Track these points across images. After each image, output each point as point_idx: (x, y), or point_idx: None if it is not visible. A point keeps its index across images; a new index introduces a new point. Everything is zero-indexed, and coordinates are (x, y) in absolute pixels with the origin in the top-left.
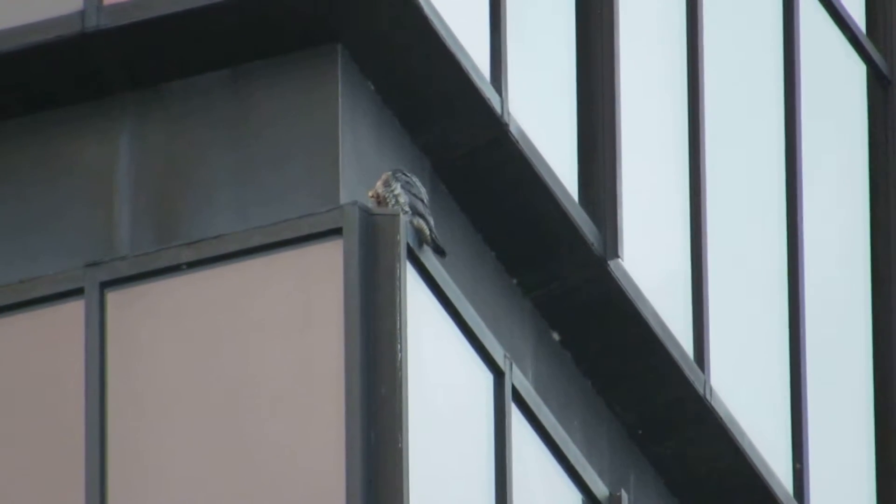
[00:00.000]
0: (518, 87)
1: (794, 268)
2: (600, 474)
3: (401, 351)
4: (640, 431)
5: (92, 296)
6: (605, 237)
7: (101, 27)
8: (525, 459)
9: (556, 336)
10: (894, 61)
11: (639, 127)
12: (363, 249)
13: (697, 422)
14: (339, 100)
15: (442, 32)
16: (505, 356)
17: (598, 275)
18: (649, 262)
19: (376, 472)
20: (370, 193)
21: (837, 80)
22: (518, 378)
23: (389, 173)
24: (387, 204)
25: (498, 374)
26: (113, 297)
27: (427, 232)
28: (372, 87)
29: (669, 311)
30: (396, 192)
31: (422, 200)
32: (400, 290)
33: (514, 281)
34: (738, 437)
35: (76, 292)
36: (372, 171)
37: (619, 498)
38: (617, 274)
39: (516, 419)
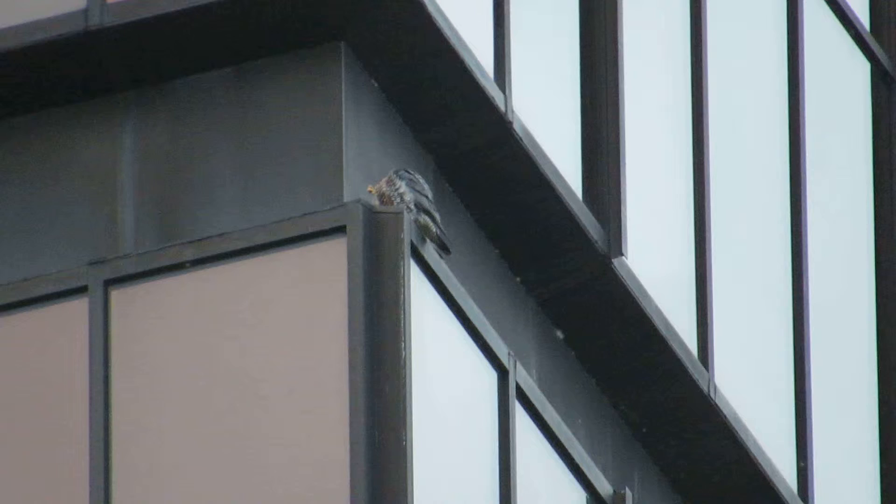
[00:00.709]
0: (522, 84)
1: (798, 265)
2: (604, 472)
3: (404, 349)
4: (645, 430)
5: (96, 294)
6: (608, 235)
7: (105, 25)
8: (529, 458)
9: (559, 334)
10: None
11: (642, 124)
12: (367, 247)
13: (702, 420)
14: (343, 98)
15: (445, 30)
16: (509, 354)
17: (601, 273)
18: (653, 260)
19: (380, 469)
20: (371, 189)
21: (841, 77)
22: (522, 376)
23: (392, 173)
24: (391, 202)
25: (502, 372)
26: (117, 295)
27: (433, 229)
28: (375, 85)
29: (673, 309)
30: (401, 189)
31: (426, 197)
32: (403, 288)
33: (518, 279)
34: (743, 436)
35: (80, 290)
36: (375, 169)
37: (624, 496)
38: (621, 272)
39: (520, 417)
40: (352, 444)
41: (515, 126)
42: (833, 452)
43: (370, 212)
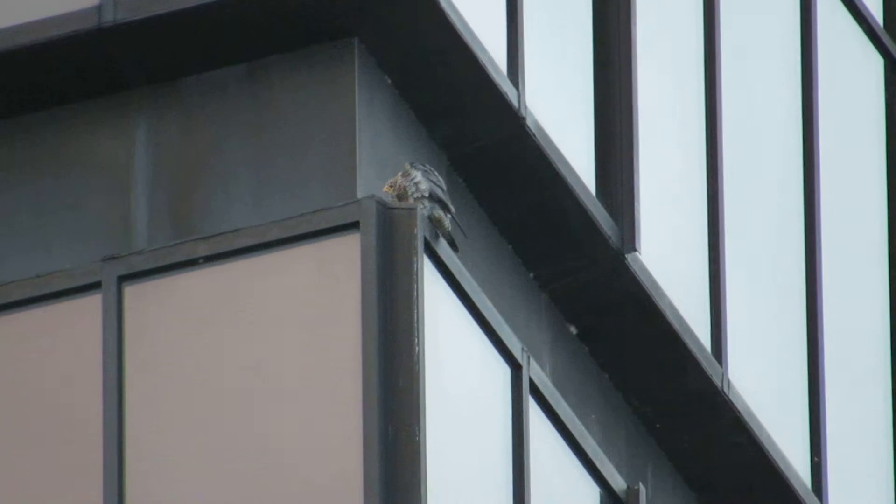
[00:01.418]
0: (535, 80)
1: (812, 260)
2: (618, 467)
3: (418, 344)
4: (658, 425)
5: (109, 290)
6: (622, 230)
7: (118, 22)
8: (542, 453)
9: (573, 329)
10: None
11: (656, 120)
12: (380, 243)
13: (715, 415)
14: (356, 94)
15: (459, 26)
16: (522, 350)
17: (615, 268)
18: (667, 255)
19: (394, 465)
20: (388, 183)
21: (854, 73)
22: (535, 371)
23: (408, 164)
24: (406, 193)
25: (515, 368)
26: (130, 291)
27: (446, 224)
28: (389, 82)
29: (687, 304)
30: (417, 179)
31: (441, 188)
32: (417, 284)
33: (532, 274)
34: (756, 431)
35: (94, 286)
36: (389, 165)
37: (637, 491)
38: (634, 267)
39: (534, 412)
40: (365, 438)
41: (528, 122)
42: (847, 447)
43: (384, 207)
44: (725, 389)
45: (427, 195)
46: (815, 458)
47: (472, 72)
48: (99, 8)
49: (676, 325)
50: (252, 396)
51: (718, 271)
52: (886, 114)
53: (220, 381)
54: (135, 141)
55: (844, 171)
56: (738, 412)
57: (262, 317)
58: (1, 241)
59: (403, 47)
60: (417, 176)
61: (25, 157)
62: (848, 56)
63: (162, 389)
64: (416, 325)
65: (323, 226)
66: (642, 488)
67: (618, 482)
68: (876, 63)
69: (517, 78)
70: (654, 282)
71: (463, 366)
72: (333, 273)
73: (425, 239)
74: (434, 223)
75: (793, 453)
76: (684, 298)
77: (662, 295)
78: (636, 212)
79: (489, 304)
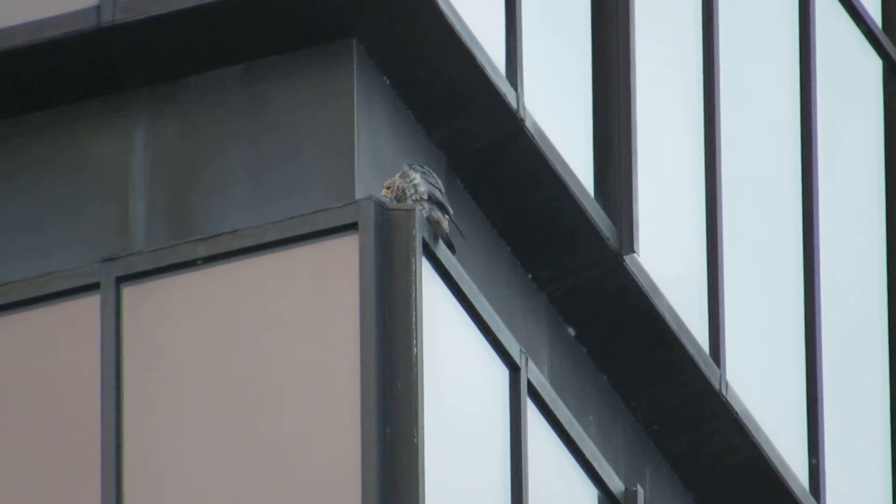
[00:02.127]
0: (533, 81)
1: (810, 262)
2: (616, 469)
3: (416, 346)
4: (656, 426)
5: (108, 291)
6: (620, 232)
7: (117, 22)
8: (541, 454)
9: (571, 331)
10: None
11: (654, 121)
12: (379, 244)
13: (713, 417)
14: (355, 95)
15: (457, 27)
16: (521, 351)
17: (613, 270)
18: (665, 256)
19: (392, 466)
20: (385, 185)
21: (853, 74)
22: (534, 373)
23: (406, 166)
24: (405, 194)
25: (513, 369)
26: (129, 292)
27: (445, 226)
28: (387, 82)
29: (685, 305)
30: (416, 181)
31: (440, 190)
32: (415, 285)
33: (530, 276)
34: (754, 433)
35: (92, 287)
36: (387, 166)
37: (635, 493)
38: (632, 269)
39: (532, 414)
40: (363, 440)
41: (527, 123)
42: (845, 449)
43: (382, 209)
44: (723, 391)
45: (426, 197)
46: (813, 460)
47: (470, 73)
48: (97, 8)
49: (674, 327)
50: (250, 397)
51: (716, 273)
52: (885, 115)
53: (218, 382)
54: (133, 141)
55: (843, 173)
56: (736, 414)
57: (260, 318)
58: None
59: (402, 48)
60: (416, 177)
61: (24, 157)
62: (847, 58)
63: (160, 390)
64: (414, 326)
65: (321, 227)
66: (640, 490)
67: (616, 484)
68: (875, 65)
69: (516, 79)
70: (652, 283)
71: (461, 367)
72: (332, 274)
73: (424, 240)
74: (432, 225)
75: (791, 455)
76: (682, 300)
77: (661, 296)
78: (634, 213)
79: (487, 305)
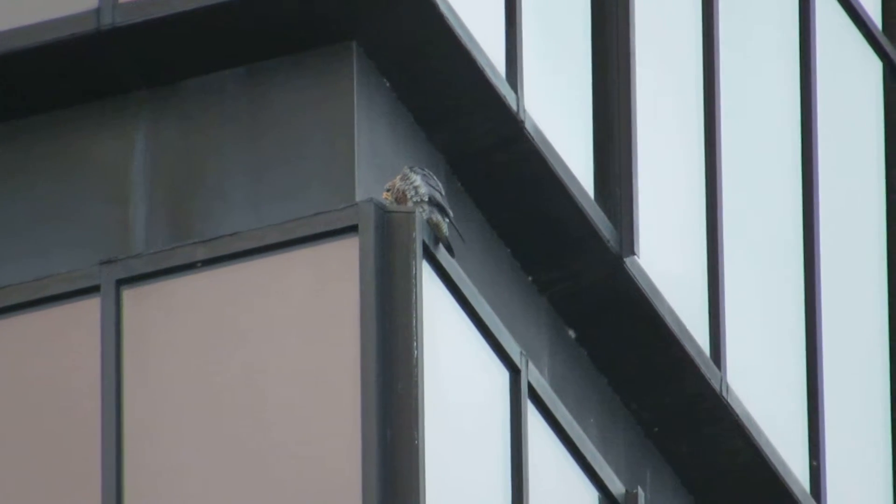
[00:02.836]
0: (533, 84)
1: (810, 264)
2: (616, 472)
3: (417, 348)
4: (657, 429)
5: (108, 293)
6: (620, 234)
7: (117, 25)
8: (541, 457)
9: (572, 333)
10: None
11: (654, 124)
12: (379, 247)
13: (714, 419)
14: (355, 97)
15: (457, 29)
16: (521, 353)
17: (614, 272)
18: (665, 259)
19: (392, 469)
20: (386, 187)
21: (853, 76)
22: (534, 375)
23: (407, 168)
24: (405, 197)
25: (514, 372)
26: (129, 295)
27: (444, 229)
28: (387, 85)
29: (686, 308)
30: (416, 183)
31: (440, 193)
32: (416, 288)
33: (530, 278)
34: (755, 435)
35: (92, 290)
36: (387, 168)
37: (636, 495)
38: (633, 271)
39: (532, 416)
40: (364, 443)
41: (527, 125)
42: (845, 451)
43: (382, 211)
44: (724, 394)
45: (426, 199)
46: (814, 463)
47: (470, 75)
48: (97, 11)
49: (675, 329)
50: (250, 400)
51: (717, 275)
52: (885, 117)
53: (218, 384)
54: (133, 144)
55: (843, 175)
56: (737, 416)
57: (260, 320)
58: None
59: (402, 50)
60: (417, 180)
61: (24, 160)
62: (847, 59)
63: (160, 393)
64: (414, 328)
65: (321, 229)
66: (641, 492)
67: (616, 486)
68: (875, 66)
69: (516, 81)
70: (652, 286)
71: (462, 370)
72: (332, 277)
73: (424, 243)
74: (432, 227)
75: (791, 457)
76: (683, 302)
77: (661, 299)
78: (635, 215)
79: (488, 308)
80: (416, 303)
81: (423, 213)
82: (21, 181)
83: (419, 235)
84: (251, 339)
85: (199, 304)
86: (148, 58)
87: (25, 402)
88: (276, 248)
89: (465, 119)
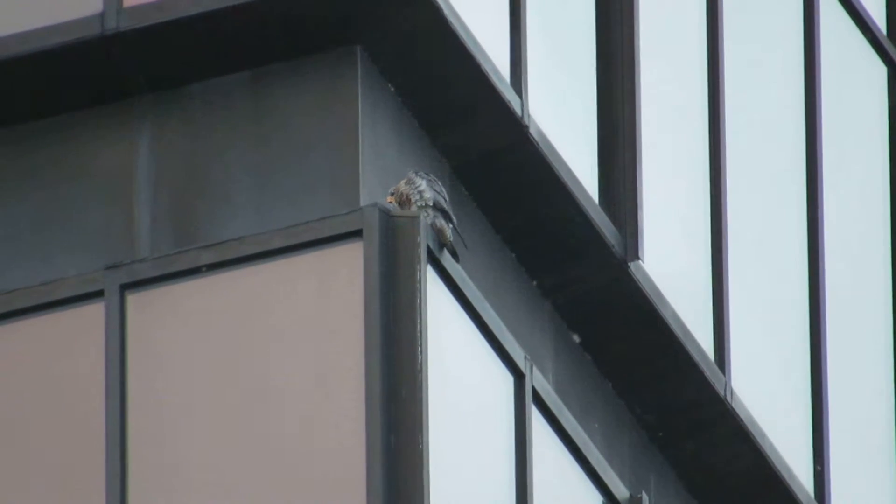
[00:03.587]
0: (538, 88)
1: (815, 269)
2: (621, 476)
3: (421, 353)
4: (661, 433)
5: (112, 298)
6: (625, 239)
7: (121, 29)
8: (545, 461)
9: (576, 338)
10: None
11: (659, 128)
12: (383, 251)
13: (718, 424)
14: (359, 102)
15: (462, 34)
16: (525, 358)
17: (618, 276)
18: (670, 263)
19: (397, 474)
20: (390, 191)
21: (858, 81)
22: (538, 380)
23: (412, 173)
24: (410, 201)
25: (518, 376)
26: (133, 300)
27: (448, 233)
28: (392, 89)
29: (690, 312)
30: (421, 187)
31: (444, 198)
32: (420, 292)
33: (535, 283)
34: (759, 439)
35: (96, 294)
36: (392, 172)
37: (640, 500)
38: (637, 276)
39: (537, 421)
40: (368, 447)
41: (532, 130)
42: (850, 456)
43: (387, 216)
44: (728, 398)
45: (431, 204)
46: (818, 467)
47: (475, 80)
48: (102, 15)
49: (679, 334)
50: (254, 405)
51: (721, 280)
52: (890, 122)
53: (222, 389)
54: (138, 148)
55: (848, 179)
56: (741, 421)
57: (264, 325)
58: (4, 249)
59: (406, 55)
60: (422, 184)
61: (28, 164)
62: (851, 64)
63: (165, 397)
64: (419, 333)
65: (326, 234)
66: (645, 497)
67: (621, 491)
68: (879, 71)
69: (520, 86)
70: (657, 290)
71: (466, 374)
72: (336, 281)
73: (428, 247)
74: (436, 232)
75: (796, 462)
76: (687, 307)
77: (665, 303)
78: (639, 220)
79: (492, 312)
80: (420, 307)
81: (427, 218)
82: (25, 185)
83: (423, 240)
84: (255, 344)
85: (204, 308)
86: (152, 62)
87: (30, 407)
88: (281, 252)
89: (470, 123)
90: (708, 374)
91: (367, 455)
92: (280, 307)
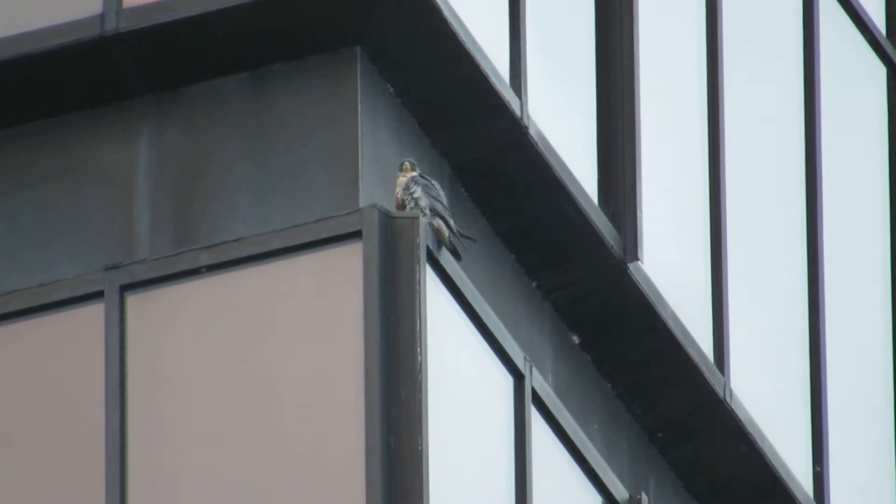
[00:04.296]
0: (537, 89)
1: (814, 270)
2: (620, 477)
3: (420, 354)
4: (660, 434)
5: (112, 299)
6: (624, 240)
7: (121, 30)
8: (545, 462)
9: (575, 339)
10: None
11: (658, 129)
12: (383, 252)
13: (717, 425)
14: (359, 103)
15: (461, 35)
16: (525, 359)
17: (617, 278)
18: (669, 265)
19: (396, 475)
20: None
21: (857, 81)
22: (538, 381)
23: (409, 178)
24: (405, 206)
25: (518, 377)
26: (133, 301)
27: (446, 233)
28: (391, 90)
29: (689, 314)
30: (416, 195)
31: (441, 203)
32: (419, 293)
33: (534, 284)
34: (759, 441)
35: (96, 295)
36: (391, 174)
37: (639, 501)
38: (637, 277)
39: (536, 422)
40: (367, 448)
41: (531, 131)
42: (849, 457)
43: (386, 217)
44: (728, 399)
45: (427, 212)
46: (818, 468)
47: (474, 81)
48: (101, 17)
49: (679, 335)
50: (254, 406)
51: (721, 281)
52: (889, 122)
53: (222, 390)
54: (137, 149)
55: (847, 181)
56: (741, 422)
57: (264, 326)
58: (3, 250)
59: (406, 56)
60: (417, 191)
61: (28, 165)
62: (851, 65)
63: (164, 398)
64: (418, 334)
65: (325, 235)
66: (644, 498)
67: (620, 491)
68: (878, 72)
69: (520, 87)
70: (656, 291)
71: (465, 375)
72: (336, 282)
73: (428, 248)
74: (435, 231)
75: (795, 463)
76: (686, 308)
77: (665, 304)
78: (638, 221)
79: (492, 313)
80: (419, 308)
81: (425, 218)
82: (25, 187)
83: (423, 241)
84: (255, 345)
85: (203, 309)
86: (152, 63)
87: (30, 407)
88: (280, 253)
89: (469, 125)
90: (707, 374)
91: (367, 455)
92: (280, 308)
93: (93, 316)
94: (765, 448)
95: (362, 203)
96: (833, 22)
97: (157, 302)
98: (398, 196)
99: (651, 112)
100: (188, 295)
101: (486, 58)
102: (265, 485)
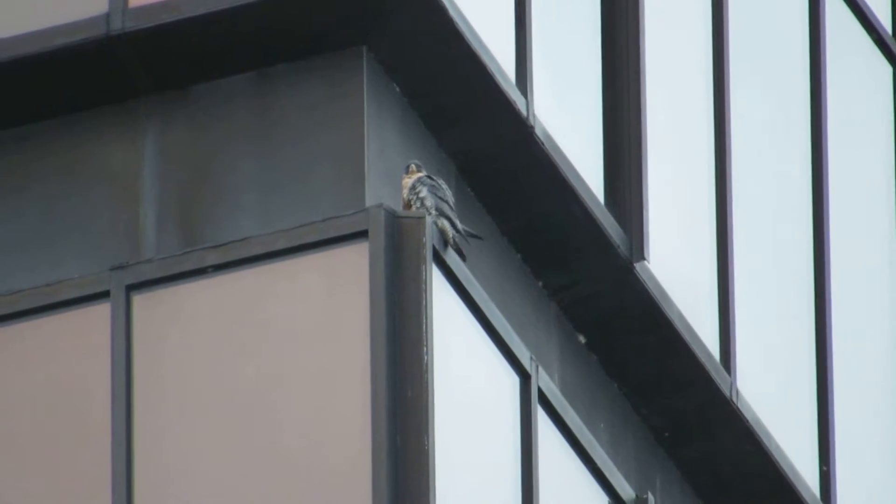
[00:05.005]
0: (543, 89)
1: (821, 269)
2: (626, 477)
3: (427, 354)
4: (667, 434)
5: (118, 299)
6: (630, 240)
7: (126, 30)
8: (551, 462)
9: (582, 339)
10: None
11: (664, 128)
12: (389, 252)
13: (724, 424)
14: (365, 102)
15: (467, 34)
16: (531, 359)
17: (624, 277)
18: (675, 264)
19: (403, 474)
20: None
21: (863, 81)
22: (544, 381)
23: (416, 178)
24: (411, 206)
25: (524, 377)
26: (139, 300)
27: (450, 233)
28: (397, 90)
29: (696, 313)
30: (422, 195)
31: (447, 203)
32: (426, 293)
33: (540, 283)
34: (765, 440)
35: (102, 295)
36: (397, 173)
37: (646, 500)
38: (643, 276)
39: (542, 422)
40: (374, 448)
41: (537, 131)
42: (855, 456)
43: (392, 216)
44: (734, 398)
45: (433, 213)
46: (824, 467)
47: (480, 80)
48: (107, 16)
49: (685, 335)
50: (260, 405)
51: (727, 281)
52: (895, 120)
53: (228, 389)
54: (143, 149)
55: (853, 180)
56: (747, 421)
57: (270, 326)
58: (9, 249)
59: (412, 56)
60: (423, 191)
61: (33, 165)
62: (857, 64)
63: (170, 397)
64: (424, 334)
65: (331, 235)
66: (651, 498)
67: (626, 491)
68: (885, 71)
69: (526, 86)
70: (662, 291)
71: (472, 375)
72: (342, 282)
73: (434, 248)
74: (440, 231)
75: (801, 462)
76: (693, 307)
77: (671, 304)
78: (645, 221)
79: (498, 313)
80: (425, 308)
81: (431, 218)
82: (31, 187)
83: (429, 241)
84: (261, 345)
85: (209, 309)
86: (157, 63)
87: (36, 407)
88: (286, 253)
89: (475, 124)
90: (714, 374)
91: (373, 455)
92: (286, 308)
93: (99, 316)
94: (771, 447)
95: (368, 202)
96: (839, 21)
97: (163, 302)
98: (404, 197)
99: (657, 111)
100: (194, 295)
101: (491, 57)
102: (272, 483)
